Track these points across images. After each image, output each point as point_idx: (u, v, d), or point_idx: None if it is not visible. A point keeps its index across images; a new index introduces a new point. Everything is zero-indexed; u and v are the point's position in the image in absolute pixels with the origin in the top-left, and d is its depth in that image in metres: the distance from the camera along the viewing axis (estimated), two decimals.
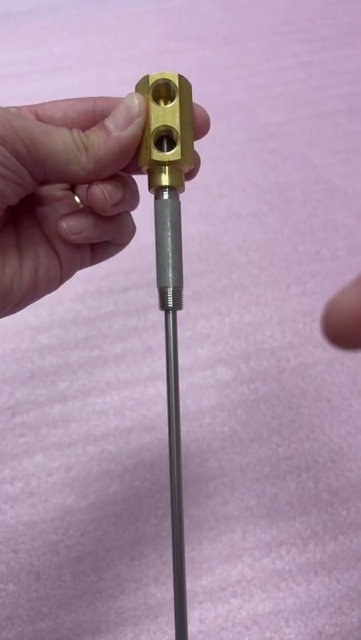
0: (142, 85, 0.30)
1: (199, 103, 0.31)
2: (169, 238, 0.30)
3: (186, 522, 0.50)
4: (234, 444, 0.54)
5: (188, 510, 0.50)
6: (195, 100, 0.31)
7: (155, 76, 0.29)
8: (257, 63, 0.84)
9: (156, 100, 0.29)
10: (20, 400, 0.56)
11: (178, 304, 0.30)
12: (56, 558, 0.48)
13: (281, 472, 0.52)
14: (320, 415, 0.55)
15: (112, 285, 0.63)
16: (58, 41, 0.88)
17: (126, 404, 0.55)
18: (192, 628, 0.46)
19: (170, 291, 0.30)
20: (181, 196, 0.31)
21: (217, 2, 0.93)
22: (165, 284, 0.30)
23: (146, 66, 0.84)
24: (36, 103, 0.31)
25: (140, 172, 0.31)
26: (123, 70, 0.83)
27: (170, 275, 0.30)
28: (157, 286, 0.30)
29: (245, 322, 0.60)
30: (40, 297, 0.32)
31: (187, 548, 0.49)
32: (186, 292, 0.62)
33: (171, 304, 0.30)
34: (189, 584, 0.47)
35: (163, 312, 0.30)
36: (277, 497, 0.51)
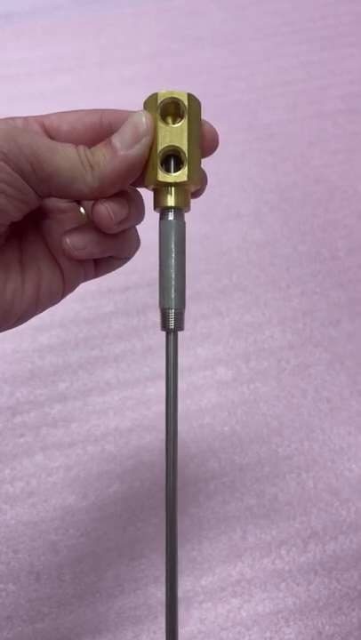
0: (150, 103, 0.29)
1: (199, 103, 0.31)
2: (172, 260, 0.30)
3: (186, 522, 0.50)
4: (234, 444, 0.54)
5: (189, 510, 0.50)
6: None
7: (164, 94, 0.29)
8: (257, 63, 0.84)
9: (165, 117, 0.29)
10: (20, 400, 0.56)
11: (179, 325, 0.30)
12: (56, 558, 0.48)
13: (281, 472, 0.52)
14: (320, 415, 0.55)
15: (112, 285, 0.63)
16: (58, 41, 0.88)
17: (126, 404, 0.55)
18: (192, 627, 0.46)
19: (172, 312, 0.30)
20: None
21: (217, 2, 0.93)
22: (168, 305, 0.30)
23: (146, 66, 0.84)
24: (43, 114, 0.30)
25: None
26: (123, 70, 0.83)
27: (172, 296, 0.30)
28: (159, 307, 0.30)
29: (245, 322, 0.60)
30: (42, 310, 0.32)
31: (187, 547, 0.49)
32: (186, 292, 0.62)
33: (172, 325, 0.30)
34: (190, 584, 0.47)
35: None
36: (277, 497, 0.51)
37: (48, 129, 0.30)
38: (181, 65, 0.84)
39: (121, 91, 0.80)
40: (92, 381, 0.57)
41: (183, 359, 0.58)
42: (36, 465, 0.53)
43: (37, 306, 0.31)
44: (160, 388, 0.56)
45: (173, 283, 0.30)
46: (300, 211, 0.69)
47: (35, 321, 0.60)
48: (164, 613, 0.46)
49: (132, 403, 0.56)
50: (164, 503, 0.51)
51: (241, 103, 0.79)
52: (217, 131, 0.31)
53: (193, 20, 0.90)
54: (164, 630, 0.45)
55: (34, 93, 0.81)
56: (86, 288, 0.63)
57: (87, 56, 0.86)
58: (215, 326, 0.60)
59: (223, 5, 0.92)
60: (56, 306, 0.63)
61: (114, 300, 0.62)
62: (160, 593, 0.47)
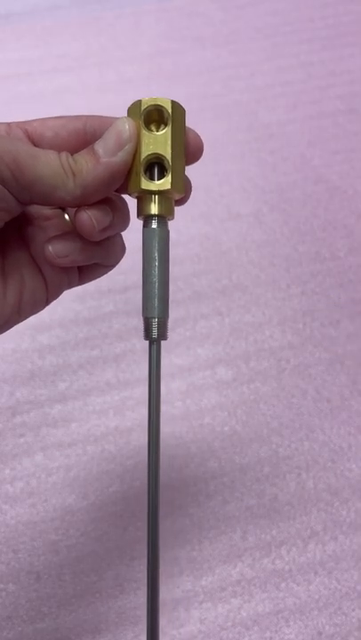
0: (134, 110, 0.29)
1: (200, 103, 0.30)
2: (156, 269, 0.29)
3: (186, 521, 0.50)
4: (234, 444, 0.54)
5: (189, 510, 0.50)
6: (196, 101, 0.30)
7: (147, 101, 0.28)
8: (257, 63, 0.84)
9: (148, 124, 0.29)
10: (20, 400, 0.56)
11: (162, 334, 0.30)
12: (56, 558, 0.48)
13: (281, 472, 0.52)
14: (320, 415, 0.55)
15: (112, 285, 0.63)
16: (58, 41, 0.88)
17: (126, 404, 0.55)
18: (192, 627, 0.46)
19: (155, 322, 0.29)
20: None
21: (217, 2, 0.93)
22: (151, 314, 0.29)
23: (146, 66, 0.84)
24: (26, 120, 0.30)
25: None
26: (123, 70, 0.83)
27: (155, 305, 0.29)
28: (142, 316, 0.30)
29: (245, 322, 0.60)
30: (25, 318, 0.31)
31: (187, 547, 0.49)
32: (186, 292, 0.62)
33: (155, 335, 0.30)
34: (190, 584, 0.47)
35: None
36: (277, 497, 0.51)
37: (31, 135, 0.30)
38: (181, 65, 0.84)
39: (121, 91, 0.80)
40: (92, 381, 0.57)
41: (183, 359, 0.58)
42: (36, 465, 0.53)
43: (20, 314, 0.30)
44: (161, 387, 0.56)
45: (157, 292, 0.29)
46: (300, 211, 0.69)
47: (35, 321, 0.60)
48: (163, 613, 0.46)
49: (132, 403, 0.56)
50: (163, 503, 0.51)
51: (241, 103, 0.79)
52: (208, 127, 0.30)
53: (193, 20, 0.90)
54: (164, 631, 0.45)
55: (34, 93, 0.81)
56: (86, 288, 0.63)
57: (87, 56, 0.86)
58: (215, 326, 0.60)
59: (223, 5, 0.92)
60: (56, 306, 0.63)
61: (114, 300, 0.62)
62: (160, 593, 0.47)
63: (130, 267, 0.63)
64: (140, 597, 0.47)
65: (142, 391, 0.56)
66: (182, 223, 0.65)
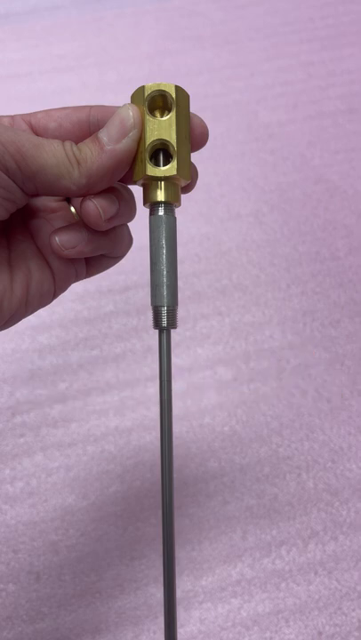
0: (138, 96, 0.29)
1: (200, 103, 0.30)
2: (164, 256, 0.29)
3: (186, 522, 0.50)
4: (234, 444, 0.54)
5: (189, 510, 0.50)
6: (196, 101, 0.30)
7: (150, 86, 0.28)
8: (257, 63, 0.84)
9: (152, 110, 0.28)
10: (20, 400, 0.56)
11: (172, 323, 0.29)
12: (56, 558, 0.48)
13: (281, 472, 0.52)
14: (320, 415, 0.55)
15: (112, 285, 0.63)
16: (58, 41, 0.88)
17: (126, 404, 0.55)
18: (192, 627, 0.46)
19: (164, 310, 0.29)
20: (182, 196, 0.31)
21: (217, 2, 0.93)
22: (160, 303, 0.29)
23: (146, 66, 0.84)
24: (29, 112, 0.30)
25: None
26: (123, 70, 0.83)
27: (164, 294, 0.29)
28: (151, 305, 0.30)
29: (245, 322, 0.60)
30: (33, 312, 0.31)
31: (187, 547, 0.49)
32: (186, 292, 0.62)
33: (165, 323, 0.29)
34: (190, 584, 0.47)
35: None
36: (277, 497, 0.51)
37: (35, 127, 0.30)
38: (181, 65, 0.84)
39: (121, 91, 0.80)
40: (92, 381, 0.57)
41: (183, 359, 0.58)
42: (36, 465, 0.53)
43: (27, 307, 0.30)
44: None
45: (165, 280, 0.29)
46: (300, 211, 0.69)
47: (35, 321, 0.60)
48: (163, 613, 0.46)
49: (132, 403, 0.55)
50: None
51: (241, 103, 0.79)
52: (208, 127, 0.30)
53: (193, 20, 0.90)
54: (164, 630, 0.45)
55: (34, 93, 0.81)
56: (86, 288, 0.63)
57: (87, 56, 0.86)
58: (215, 326, 0.60)
59: (223, 5, 0.92)
60: (56, 306, 0.63)
61: (114, 299, 0.62)
62: (160, 593, 0.47)
63: (130, 267, 0.63)
64: (140, 597, 0.47)
65: (142, 391, 0.56)
66: (182, 223, 0.65)
